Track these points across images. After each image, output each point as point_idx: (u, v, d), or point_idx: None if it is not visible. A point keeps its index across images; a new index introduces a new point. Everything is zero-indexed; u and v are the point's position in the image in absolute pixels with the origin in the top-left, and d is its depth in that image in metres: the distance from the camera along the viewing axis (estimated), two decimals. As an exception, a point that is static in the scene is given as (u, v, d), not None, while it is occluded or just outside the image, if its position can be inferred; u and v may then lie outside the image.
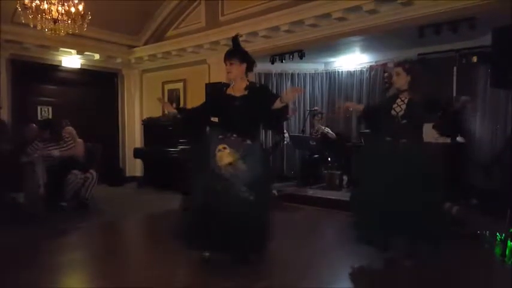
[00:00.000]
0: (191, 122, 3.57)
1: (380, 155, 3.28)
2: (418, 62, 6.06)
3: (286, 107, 3.17)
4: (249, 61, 3.34)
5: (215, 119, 3.45)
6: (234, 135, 3.19)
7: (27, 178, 4.89)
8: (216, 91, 3.39)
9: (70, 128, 5.88)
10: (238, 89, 3.31)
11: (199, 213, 3.14)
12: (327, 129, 7.00)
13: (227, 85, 3.45)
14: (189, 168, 3.56)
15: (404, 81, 3.32)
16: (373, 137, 3.59)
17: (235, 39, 3.39)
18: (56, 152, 5.38)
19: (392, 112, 3.28)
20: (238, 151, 3.11)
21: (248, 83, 3.33)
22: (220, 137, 3.22)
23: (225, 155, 3.09)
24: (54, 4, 5.15)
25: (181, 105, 7.91)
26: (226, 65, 3.31)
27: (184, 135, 6.98)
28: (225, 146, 3.12)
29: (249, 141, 3.20)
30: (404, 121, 3.24)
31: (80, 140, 5.88)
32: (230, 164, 3.09)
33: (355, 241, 3.37)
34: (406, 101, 3.29)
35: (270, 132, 7.73)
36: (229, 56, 3.29)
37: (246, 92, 3.27)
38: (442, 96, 5.64)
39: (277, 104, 3.11)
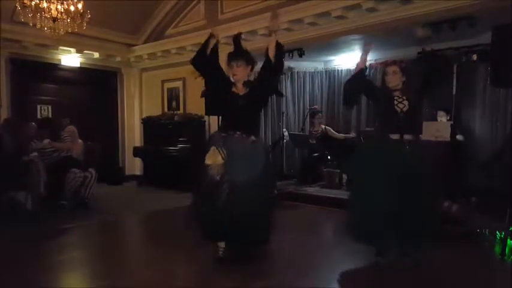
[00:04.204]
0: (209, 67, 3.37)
1: (386, 153, 3.19)
2: (416, 61, 6.05)
3: (280, 45, 3.31)
4: (253, 62, 3.34)
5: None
6: (238, 133, 3.20)
7: (29, 176, 4.89)
8: (226, 84, 3.32)
9: (72, 127, 5.86)
10: (240, 88, 3.32)
11: (209, 208, 3.13)
12: (330, 129, 6.97)
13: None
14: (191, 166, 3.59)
15: (400, 81, 3.27)
16: (376, 135, 3.54)
17: (237, 39, 3.35)
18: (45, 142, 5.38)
19: (396, 108, 3.24)
20: (243, 147, 3.15)
21: (245, 80, 3.33)
22: (223, 134, 3.24)
23: (209, 156, 3.16)
24: (53, 3, 5.14)
25: (181, 104, 7.93)
26: (232, 67, 3.25)
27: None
28: (214, 147, 3.16)
29: (253, 137, 3.25)
30: (408, 116, 3.21)
31: (80, 141, 5.87)
32: (208, 165, 3.14)
33: (353, 240, 3.30)
34: (405, 97, 3.25)
35: (269, 131, 7.75)
36: (237, 58, 3.25)
37: (247, 90, 3.29)
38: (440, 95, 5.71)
39: (271, 44, 3.26)
